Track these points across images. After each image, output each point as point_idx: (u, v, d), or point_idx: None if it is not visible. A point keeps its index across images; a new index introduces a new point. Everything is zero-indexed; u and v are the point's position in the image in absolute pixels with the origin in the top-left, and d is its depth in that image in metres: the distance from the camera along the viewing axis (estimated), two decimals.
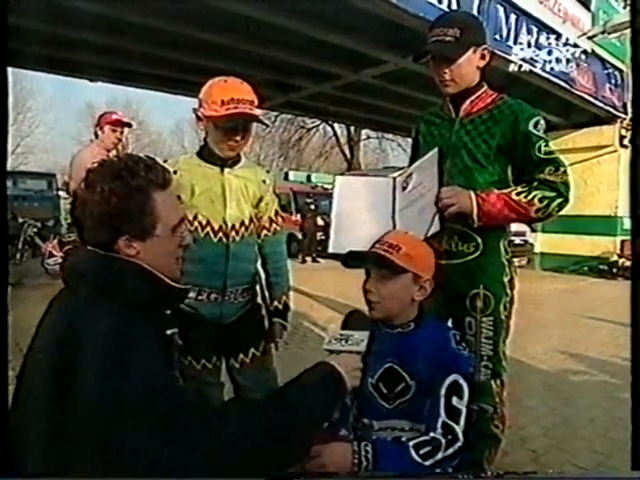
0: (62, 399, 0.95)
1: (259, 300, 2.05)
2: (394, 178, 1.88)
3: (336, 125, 21.76)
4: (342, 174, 1.92)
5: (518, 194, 1.70)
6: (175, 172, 1.83)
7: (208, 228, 1.88)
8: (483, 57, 1.78)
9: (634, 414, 1.37)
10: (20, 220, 8.56)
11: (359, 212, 1.84)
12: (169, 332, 1.19)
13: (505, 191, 1.71)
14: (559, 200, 1.71)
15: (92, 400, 0.94)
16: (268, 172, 2.07)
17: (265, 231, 2.02)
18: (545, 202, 1.70)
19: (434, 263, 1.51)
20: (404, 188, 1.81)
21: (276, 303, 2.03)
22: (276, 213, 2.04)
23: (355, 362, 1.23)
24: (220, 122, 1.80)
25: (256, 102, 1.84)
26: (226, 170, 1.89)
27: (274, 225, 2.03)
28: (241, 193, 1.92)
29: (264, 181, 1.99)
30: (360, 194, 1.88)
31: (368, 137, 23.82)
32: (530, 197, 1.70)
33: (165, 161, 1.94)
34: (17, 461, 1.00)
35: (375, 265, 1.46)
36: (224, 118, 1.78)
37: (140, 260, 1.09)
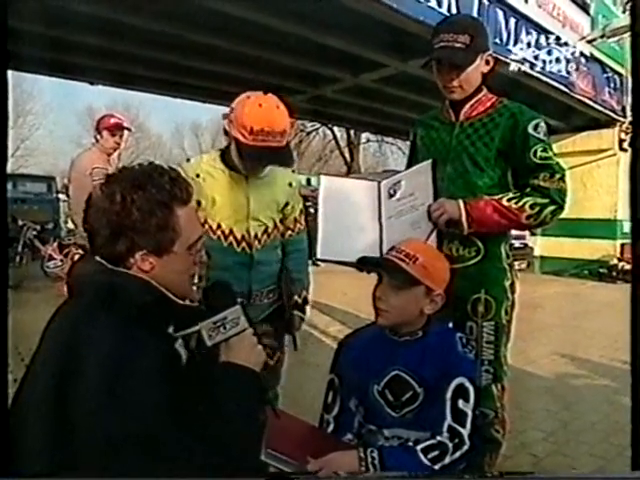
0: (55, 417, 0.93)
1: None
2: (379, 182, 1.86)
3: (336, 128, 21.74)
4: (325, 174, 1.88)
5: (509, 200, 1.69)
6: (198, 175, 1.82)
7: (231, 238, 1.87)
8: (487, 63, 1.78)
9: (634, 415, 1.36)
10: (20, 223, 8.52)
11: (346, 216, 1.82)
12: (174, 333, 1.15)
13: (496, 197, 1.71)
14: (552, 207, 1.69)
15: (87, 425, 0.91)
16: (293, 172, 2.04)
17: (289, 231, 2.02)
18: (536, 209, 1.68)
19: (448, 277, 1.49)
20: (391, 195, 1.79)
21: (296, 297, 2.05)
22: (300, 213, 2.03)
23: (248, 341, 1.14)
24: (245, 150, 1.74)
25: (288, 130, 1.78)
26: (251, 178, 1.86)
27: (298, 225, 2.03)
28: (265, 201, 1.89)
29: (290, 184, 1.96)
30: (345, 196, 1.86)
31: (368, 140, 23.81)
32: (521, 203, 1.68)
33: (188, 160, 1.93)
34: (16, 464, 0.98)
35: (389, 273, 1.44)
36: (250, 148, 1.72)
37: (154, 276, 1.05)
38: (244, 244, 1.88)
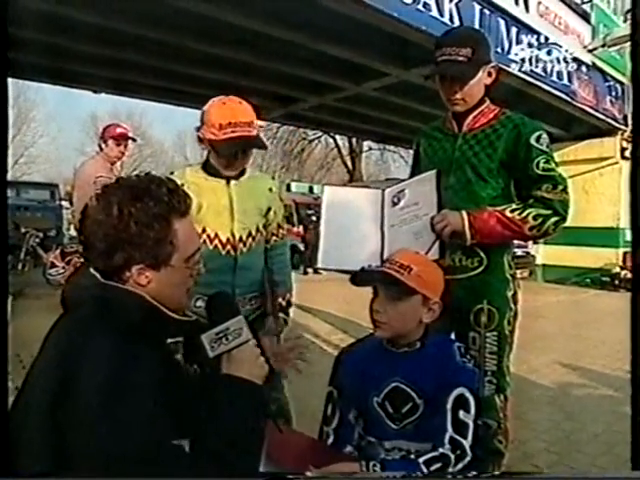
0: (53, 427, 0.92)
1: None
2: (383, 190, 1.86)
3: (338, 137, 21.80)
4: (329, 184, 1.90)
5: (512, 211, 1.70)
6: (182, 185, 1.85)
7: (216, 241, 1.90)
8: (490, 74, 1.78)
9: (634, 415, 1.35)
10: (22, 230, 8.55)
11: (348, 224, 1.82)
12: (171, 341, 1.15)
13: (499, 208, 1.71)
14: (555, 218, 1.70)
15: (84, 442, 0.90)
16: (273, 179, 2.12)
17: (274, 237, 2.08)
18: (539, 220, 1.69)
19: (443, 285, 1.49)
20: (394, 204, 1.79)
21: (280, 300, 2.08)
22: (282, 218, 2.10)
23: (250, 352, 1.10)
24: (218, 146, 1.82)
25: (255, 122, 1.84)
26: (232, 182, 1.91)
27: (281, 231, 2.10)
28: (248, 205, 1.93)
29: (270, 189, 2.02)
30: (348, 205, 1.86)
31: (370, 149, 23.87)
32: (524, 214, 1.69)
33: (172, 173, 1.96)
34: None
35: (385, 285, 1.43)
36: (222, 142, 1.80)
37: (149, 290, 1.02)
38: (229, 247, 1.91)
